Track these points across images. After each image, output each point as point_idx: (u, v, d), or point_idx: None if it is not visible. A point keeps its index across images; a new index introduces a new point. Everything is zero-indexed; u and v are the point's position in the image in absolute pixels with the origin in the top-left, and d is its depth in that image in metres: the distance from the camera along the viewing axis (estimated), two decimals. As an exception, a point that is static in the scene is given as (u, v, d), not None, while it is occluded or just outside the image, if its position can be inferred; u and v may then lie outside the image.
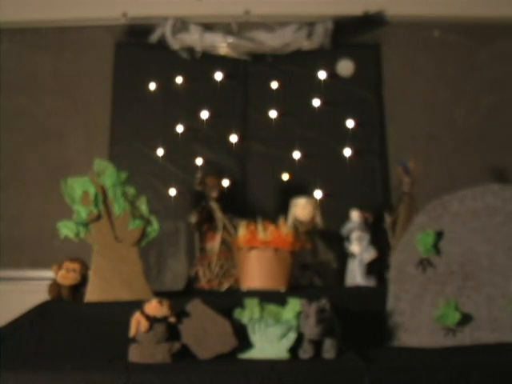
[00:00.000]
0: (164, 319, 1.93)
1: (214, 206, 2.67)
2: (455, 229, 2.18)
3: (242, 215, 2.64)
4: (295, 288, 2.36)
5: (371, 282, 2.53)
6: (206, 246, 2.69)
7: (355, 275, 2.55)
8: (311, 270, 2.65)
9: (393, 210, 2.72)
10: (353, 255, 2.56)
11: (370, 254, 2.54)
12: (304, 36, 3.11)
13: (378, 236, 2.64)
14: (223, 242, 2.63)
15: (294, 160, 3.07)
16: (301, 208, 2.68)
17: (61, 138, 3.16)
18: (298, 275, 2.54)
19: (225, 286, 2.56)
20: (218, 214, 2.66)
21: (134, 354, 1.91)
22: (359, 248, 2.55)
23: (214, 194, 2.67)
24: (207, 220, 2.68)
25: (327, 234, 2.72)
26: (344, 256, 2.63)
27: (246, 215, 2.60)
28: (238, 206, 2.92)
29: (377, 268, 2.56)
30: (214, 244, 2.64)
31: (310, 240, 2.63)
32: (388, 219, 2.66)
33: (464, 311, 2.09)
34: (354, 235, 2.57)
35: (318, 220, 2.68)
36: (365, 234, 2.57)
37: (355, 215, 2.60)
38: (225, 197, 2.75)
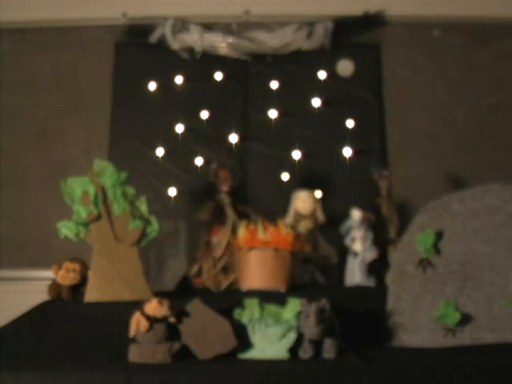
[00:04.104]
0: (164, 319, 1.93)
1: (225, 200, 2.66)
2: (455, 229, 2.18)
3: (244, 215, 2.65)
4: (296, 286, 2.36)
5: (371, 282, 2.53)
6: (211, 240, 2.66)
7: (355, 274, 2.54)
8: (313, 264, 2.65)
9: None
10: (355, 254, 2.56)
11: (371, 254, 2.54)
12: (304, 36, 3.11)
13: (378, 236, 2.64)
14: (229, 238, 2.61)
15: (294, 160, 3.08)
16: (302, 201, 2.68)
17: (61, 138, 3.16)
18: (299, 270, 2.53)
19: (226, 283, 2.55)
20: (229, 209, 2.65)
21: (134, 354, 1.91)
22: (362, 247, 2.55)
23: (225, 188, 2.67)
24: (217, 213, 2.66)
25: (327, 231, 2.72)
26: (344, 252, 2.63)
27: (247, 215, 2.61)
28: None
29: (377, 268, 2.56)
30: (222, 238, 2.62)
31: (310, 234, 2.62)
32: None
33: (464, 311, 2.09)
34: (358, 234, 2.56)
35: (319, 214, 2.68)
36: (368, 234, 2.57)
37: (356, 214, 2.59)
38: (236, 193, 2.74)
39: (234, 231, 2.59)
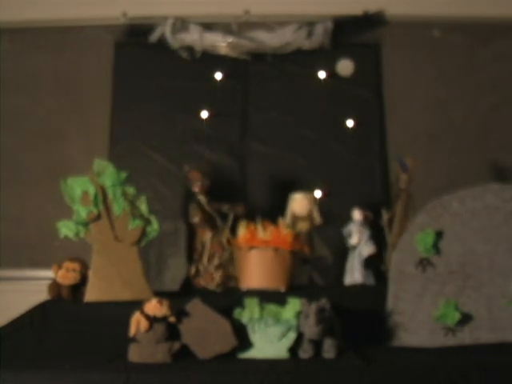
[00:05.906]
0: (164, 319, 1.94)
1: (202, 200, 2.66)
2: (455, 229, 2.18)
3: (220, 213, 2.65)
4: (295, 287, 2.36)
5: (370, 280, 2.54)
6: (203, 241, 2.67)
7: (354, 270, 2.55)
8: (310, 264, 2.65)
9: (390, 207, 2.72)
10: (352, 248, 2.56)
11: (369, 248, 2.55)
12: (304, 36, 3.11)
13: (376, 234, 2.63)
14: (215, 236, 2.62)
15: (294, 160, 3.08)
16: (298, 203, 2.68)
17: (61, 138, 3.16)
18: (297, 270, 2.53)
19: (219, 280, 2.54)
20: (206, 208, 2.65)
21: (134, 354, 1.91)
22: (358, 240, 2.55)
23: (196, 189, 2.65)
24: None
25: (324, 232, 2.72)
26: (342, 253, 2.64)
27: (246, 215, 2.61)
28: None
29: (375, 264, 2.56)
30: (207, 238, 2.63)
31: (307, 235, 2.63)
32: (385, 216, 2.66)
33: (464, 311, 2.09)
34: (355, 229, 2.57)
35: (316, 215, 2.68)
36: (365, 229, 2.58)
37: (357, 214, 2.60)
38: (213, 191, 2.71)
39: (214, 229, 2.61)
